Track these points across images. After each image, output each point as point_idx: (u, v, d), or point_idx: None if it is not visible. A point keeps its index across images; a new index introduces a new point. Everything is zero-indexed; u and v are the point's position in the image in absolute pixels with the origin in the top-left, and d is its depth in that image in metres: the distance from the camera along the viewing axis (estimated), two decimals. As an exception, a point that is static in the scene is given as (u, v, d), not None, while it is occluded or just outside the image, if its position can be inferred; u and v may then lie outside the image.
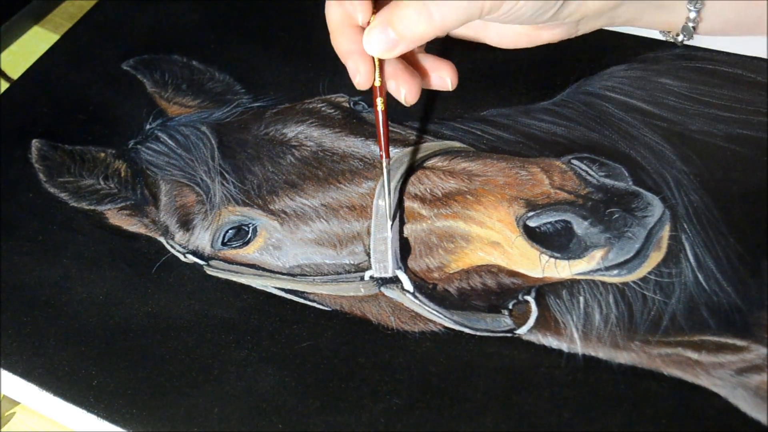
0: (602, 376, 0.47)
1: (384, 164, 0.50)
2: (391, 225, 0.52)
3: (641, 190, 0.51)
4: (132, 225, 0.59)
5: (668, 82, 0.60)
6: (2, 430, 0.53)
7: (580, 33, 0.59)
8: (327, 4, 0.50)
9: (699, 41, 0.61)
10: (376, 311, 0.52)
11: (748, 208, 0.52)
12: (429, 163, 0.54)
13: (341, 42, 0.50)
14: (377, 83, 0.50)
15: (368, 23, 0.48)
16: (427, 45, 0.54)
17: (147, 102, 0.66)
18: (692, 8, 0.56)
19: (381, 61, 0.50)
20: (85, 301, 0.54)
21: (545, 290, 0.50)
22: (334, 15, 0.50)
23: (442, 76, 0.53)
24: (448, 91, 0.54)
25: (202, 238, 0.55)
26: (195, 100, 0.66)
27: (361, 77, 0.50)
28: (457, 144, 0.57)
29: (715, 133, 0.56)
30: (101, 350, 0.52)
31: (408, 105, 0.52)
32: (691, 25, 0.58)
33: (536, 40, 0.58)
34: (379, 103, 0.50)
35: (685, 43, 0.61)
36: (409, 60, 0.53)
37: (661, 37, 0.62)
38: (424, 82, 0.53)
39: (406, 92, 0.51)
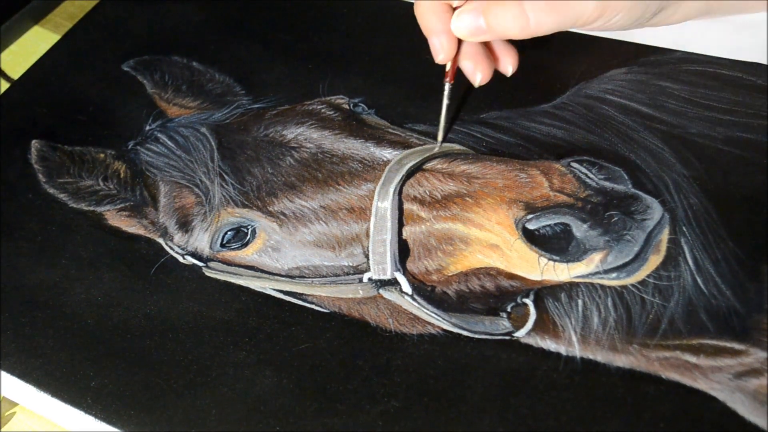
0: (600, 380, 0.47)
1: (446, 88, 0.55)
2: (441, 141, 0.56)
3: (640, 193, 0.51)
4: (131, 226, 0.59)
5: (668, 85, 0.60)
6: (2, 430, 0.53)
7: (656, 24, 0.57)
8: None
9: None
10: (374, 313, 0.52)
11: (747, 211, 0.52)
12: (428, 165, 0.53)
13: (429, 19, 0.52)
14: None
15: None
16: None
17: (147, 103, 0.66)
18: None
19: (461, 42, 0.53)
20: (83, 302, 0.54)
21: (544, 293, 0.50)
22: None
23: (506, 63, 0.56)
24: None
25: (201, 239, 0.55)
26: (195, 102, 0.66)
27: (444, 55, 0.53)
28: (456, 146, 0.57)
29: (715, 137, 0.56)
30: (99, 351, 0.52)
31: (479, 86, 0.56)
32: None
33: (609, 26, 0.56)
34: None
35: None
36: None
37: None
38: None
39: (481, 75, 0.55)
